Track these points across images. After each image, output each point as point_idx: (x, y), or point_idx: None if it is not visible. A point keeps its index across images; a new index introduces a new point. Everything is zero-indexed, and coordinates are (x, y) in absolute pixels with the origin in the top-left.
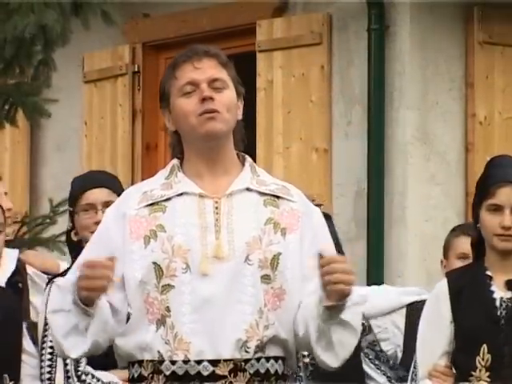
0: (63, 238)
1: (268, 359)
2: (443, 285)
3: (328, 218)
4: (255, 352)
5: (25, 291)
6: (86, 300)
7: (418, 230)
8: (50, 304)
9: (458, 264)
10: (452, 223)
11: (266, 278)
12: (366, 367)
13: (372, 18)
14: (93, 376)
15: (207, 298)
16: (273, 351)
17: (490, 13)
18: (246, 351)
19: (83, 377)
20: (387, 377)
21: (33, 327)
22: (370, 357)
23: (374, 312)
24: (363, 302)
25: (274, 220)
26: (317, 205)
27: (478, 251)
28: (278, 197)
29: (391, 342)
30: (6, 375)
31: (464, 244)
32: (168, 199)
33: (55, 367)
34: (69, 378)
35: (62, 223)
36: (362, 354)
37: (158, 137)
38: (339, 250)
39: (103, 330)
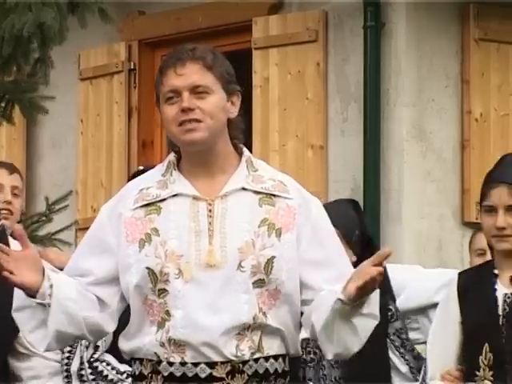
0: (59, 236)
1: (267, 359)
2: (453, 285)
3: (357, 206)
4: (252, 353)
5: None
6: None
7: (414, 227)
8: (14, 302)
9: (478, 260)
10: (448, 220)
11: (259, 283)
12: (390, 353)
13: (368, 16)
14: (108, 364)
15: (200, 304)
16: (272, 350)
17: (485, 10)
18: (242, 353)
19: (96, 363)
20: (410, 367)
21: None
22: (396, 344)
23: (408, 307)
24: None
25: (268, 220)
26: None
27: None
28: (273, 195)
29: (421, 331)
30: None
31: (480, 240)
32: (163, 200)
33: (74, 354)
34: (82, 363)
35: (58, 221)
36: (388, 340)
37: (154, 134)
38: (369, 236)
39: (69, 320)
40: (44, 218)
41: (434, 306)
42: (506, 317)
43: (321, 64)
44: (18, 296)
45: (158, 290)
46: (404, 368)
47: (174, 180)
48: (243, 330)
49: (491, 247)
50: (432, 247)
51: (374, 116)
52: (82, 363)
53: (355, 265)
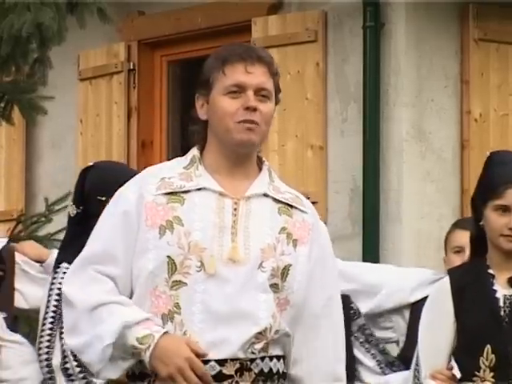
0: (59, 237)
1: (271, 358)
2: (445, 282)
3: None
4: (259, 352)
5: (7, 280)
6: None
7: (414, 227)
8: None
9: (455, 258)
10: (447, 220)
11: (274, 287)
12: (356, 351)
13: (367, 16)
14: None
15: (220, 300)
16: (275, 350)
17: (485, 10)
18: (253, 352)
19: None
20: (377, 360)
21: (18, 314)
22: (361, 340)
23: (385, 307)
24: None
25: (287, 230)
26: (312, 203)
27: (479, 248)
28: (291, 206)
29: (395, 330)
30: None
31: (458, 237)
32: (187, 191)
33: (52, 348)
34: (65, 357)
35: (58, 221)
36: (352, 338)
37: (154, 134)
38: None
39: None
40: (43, 219)
41: (410, 305)
42: (509, 318)
43: (320, 64)
44: (113, 332)
45: (173, 282)
46: (371, 363)
47: (199, 174)
48: (264, 330)
49: (472, 246)
50: (432, 247)
51: (374, 116)
52: (65, 357)
53: None
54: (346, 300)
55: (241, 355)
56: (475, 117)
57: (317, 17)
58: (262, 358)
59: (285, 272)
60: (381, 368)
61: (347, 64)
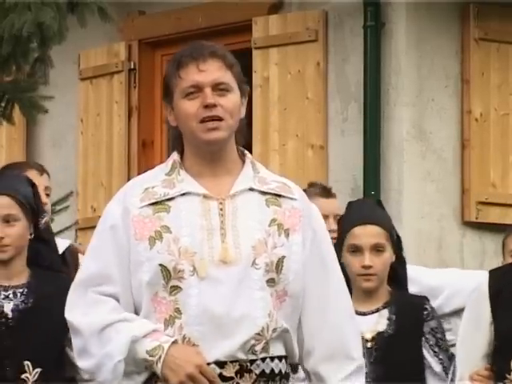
0: (59, 237)
1: (272, 359)
2: (484, 283)
3: (382, 205)
4: (260, 353)
5: (71, 282)
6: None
7: (414, 227)
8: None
9: None
10: (448, 220)
11: (271, 282)
12: (425, 352)
13: (368, 15)
14: None
15: (215, 302)
16: (277, 351)
17: (485, 10)
18: (253, 353)
19: None
20: (443, 366)
21: None
22: (431, 343)
23: (444, 312)
24: None
25: (277, 221)
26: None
27: None
28: (279, 195)
29: (453, 332)
30: (27, 362)
31: None
32: (171, 199)
33: None
34: None
35: (58, 221)
36: (423, 339)
37: (154, 134)
38: (398, 234)
39: None
40: None
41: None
42: None
43: (321, 64)
44: (122, 349)
45: (171, 287)
46: (438, 367)
47: (181, 179)
48: (262, 330)
49: None
50: (432, 247)
51: (374, 116)
52: None
53: (394, 265)
54: (421, 300)
55: (241, 356)
56: (476, 116)
57: (317, 16)
58: (263, 359)
59: (279, 265)
60: (447, 374)
61: (348, 64)
